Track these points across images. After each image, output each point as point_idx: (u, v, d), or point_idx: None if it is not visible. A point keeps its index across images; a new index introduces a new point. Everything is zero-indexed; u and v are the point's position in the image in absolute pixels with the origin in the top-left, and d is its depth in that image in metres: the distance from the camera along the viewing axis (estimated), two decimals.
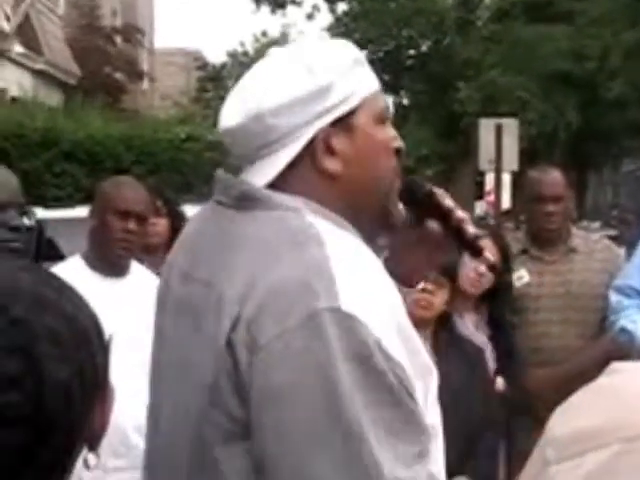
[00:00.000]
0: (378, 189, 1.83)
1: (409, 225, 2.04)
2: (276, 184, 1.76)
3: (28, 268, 1.23)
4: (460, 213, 2.02)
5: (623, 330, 4.04)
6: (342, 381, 1.53)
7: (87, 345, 1.17)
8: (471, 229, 2.02)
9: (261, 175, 1.78)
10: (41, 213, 11.78)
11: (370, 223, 1.82)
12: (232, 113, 1.80)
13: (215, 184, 1.85)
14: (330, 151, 1.77)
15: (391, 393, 1.58)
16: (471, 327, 4.19)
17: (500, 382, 4.14)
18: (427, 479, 1.64)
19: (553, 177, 4.50)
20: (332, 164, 1.77)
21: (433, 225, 2.04)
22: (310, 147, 1.76)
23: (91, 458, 1.24)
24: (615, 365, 1.16)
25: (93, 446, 1.23)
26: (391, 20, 23.24)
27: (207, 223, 1.85)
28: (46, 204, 12.28)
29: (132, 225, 3.60)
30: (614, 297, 4.14)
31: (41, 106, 18.99)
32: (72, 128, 16.24)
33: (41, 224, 11.28)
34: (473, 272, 4.14)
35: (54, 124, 16.37)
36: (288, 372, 1.55)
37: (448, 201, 2.02)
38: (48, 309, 1.15)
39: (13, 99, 21.40)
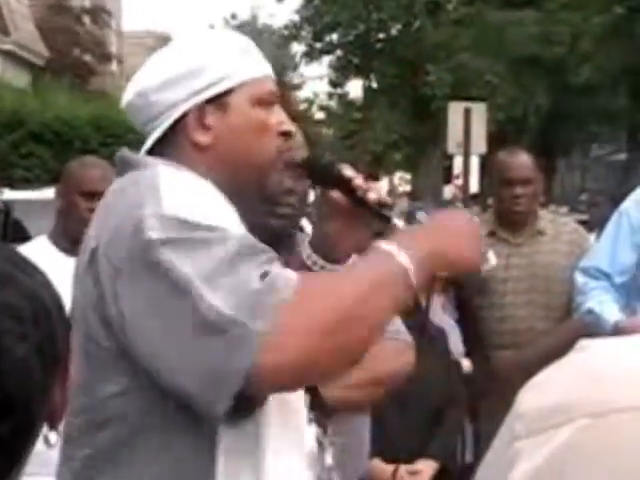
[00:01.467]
0: (250, 164, 2.01)
1: (319, 201, 2.24)
2: (156, 154, 1.99)
3: None
4: (360, 181, 2.11)
5: (590, 312, 4.05)
6: (165, 262, 1.73)
7: (47, 322, 1.16)
8: (373, 195, 2.09)
9: (145, 146, 2.03)
10: (8, 194, 11.72)
11: (243, 195, 1.99)
12: (126, 93, 2.06)
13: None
14: (203, 126, 1.99)
15: (199, 244, 1.76)
16: (438, 310, 4.20)
17: (467, 364, 4.16)
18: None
19: (521, 160, 4.50)
20: (203, 137, 1.99)
21: (335, 195, 2.15)
22: (184, 121, 1.98)
23: (52, 436, 1.23)
24: (584, 342, 1.15)
25: (54, 424, 1.23)
26: (361, 3, 23.21)
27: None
28: (13, 185, 12.22)
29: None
30: (580, 278, 4.15)
31: (8, 87, 18.87)
32: (40, 109, 16.17)
33: (8, 205, 11.18)
34: None
35: (21, 105, 16.30)
36: (132, 278, 1.77)
37: (349, 172, 2.13)
38: (8, 285, 1.14)
39: None
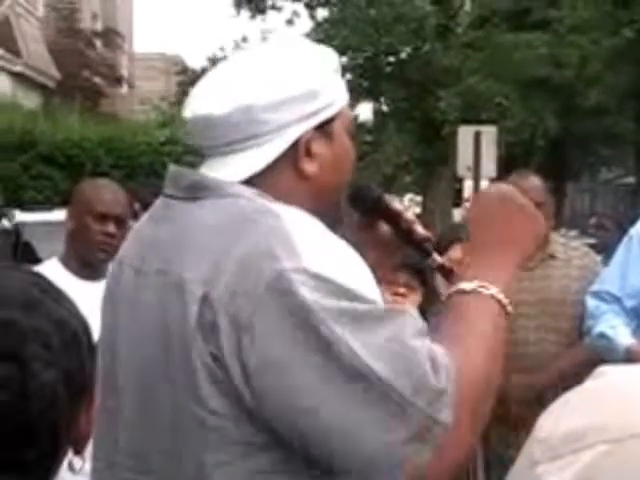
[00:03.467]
0: (339, 194, 1.93)
1: (359, 228, 2.15)
2: (252, 179, 1.79)
3: (17, 269, 1.23)
4: (409, 215, 2.10)
5: (602, 335, 4.05)
6: (324, 327, 1.57)
7: (76, 349, 1.17)
8: (420, 230, 2.09)
9: (238, 168, 1.80)
10: (18, 216, 11.74)
11: (324, 219, 1.79)
12: (216, 101, 1.79)
13: (166, 179, 1.87)
14: (309, 153, 1.82)
15: (364, 317, 1.61)
16: None
17: None
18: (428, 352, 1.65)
19: (532, 183, 4.50)
20: (309, 166, 1.82)
21: (384, 227, 2.12)
22: (293, 147, 1.80)
23: (76, 461, 1.24)
24: (602, 368, 1.16)
25: (78, 449, 1.24)
26: (371, 27, 23.26)
27: (158, 218, 1.86)
28: (24, 207, 12.25)
29: (111, 228, 3.58)
30: (591, 302, 4.15)
31: (19, 109, 18.95)
32: (50, 131, 16.23)
33: (18, 227, 11.24)
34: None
35: (32, 127, 16.35)
36: (276, 338, 1.58)
37: (397, 204, 2.11)
38: (38, 311, 1.15)
39: None
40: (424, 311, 3.84)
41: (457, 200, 25.66)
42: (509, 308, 1.81)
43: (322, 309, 1.58)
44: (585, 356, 4.18)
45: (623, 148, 30.20)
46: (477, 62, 22.37)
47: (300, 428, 1.60)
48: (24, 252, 9.25)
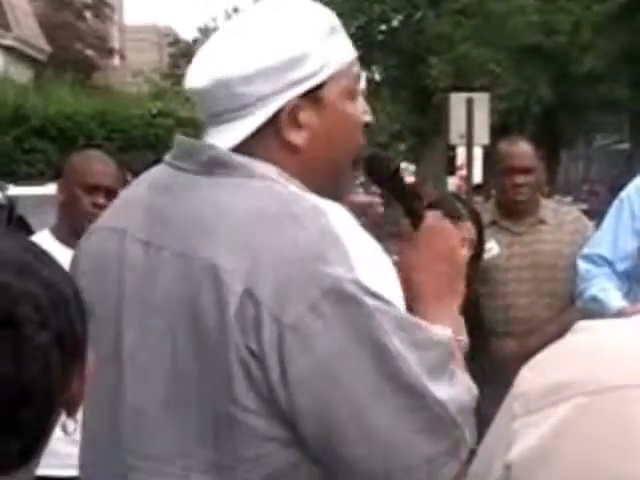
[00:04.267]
0: (338, 166, 1.80)
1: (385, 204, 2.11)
2: (238, 150, 1.71)
3: (10, 235, 1.24)
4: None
5: (594, 299, 4.07)
6: (381, 336, 1.56)
7: (66, 310, 1.18)
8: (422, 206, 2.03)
9: (224, 139, 1.72)
10: (11, 190, 11.71)
11: (321, 194, 1.72)
12: (199, 74, 1.74)
13: (175, 149, 1.78)
14: (296, 123, 1.72)
15: (417, 335, 1.63)
16: None
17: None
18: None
19: (522, 149, 4.52)
20: (296, 137, 1.72)
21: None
22: (276, 117, 1.71)
23: (70, 424, 1.25)
24: (581, 323, 1.18)
25: (71, 412, 1.24)
26: None
27: (163, 189, 1.75)
28: (17, 181, 12.22)
29: (101, 199, 3.58)
30: (583, 265, 4.16)
31: (11, 82, 18.87)
32: (42, 104, 16.16)
33: (11, 201, 11.19)
34: None
35: (24, 100, 16.29)
36: (330, 342, 1.55)
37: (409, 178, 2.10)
38: (30, 275, 1.16)
39: None
40: None
41: (451, 168, 25.64)
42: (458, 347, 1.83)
43: (381, 319, 1.57)
44: (577, 319, 4.20)
45: (617, 114, 30.14)
46: (469, 29, 22.30)
47: (336, 435, 1.59)
48: (18, 225, 9.24)
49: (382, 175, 2.01)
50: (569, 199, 23.33)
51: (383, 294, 1.59)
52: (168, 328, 1.64)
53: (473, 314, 4.26)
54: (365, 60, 25.70)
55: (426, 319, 1.74)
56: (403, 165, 53.88)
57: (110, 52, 32.82)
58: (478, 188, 16.25)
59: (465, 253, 1.98)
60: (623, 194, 4.13)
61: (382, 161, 2.03)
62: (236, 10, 44.52)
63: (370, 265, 1.61)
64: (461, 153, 17.32)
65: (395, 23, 24.34)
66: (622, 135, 35.16)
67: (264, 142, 1.72)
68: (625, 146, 33.56)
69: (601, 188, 11.05)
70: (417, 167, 26.20)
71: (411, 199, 2.00)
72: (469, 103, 13.81)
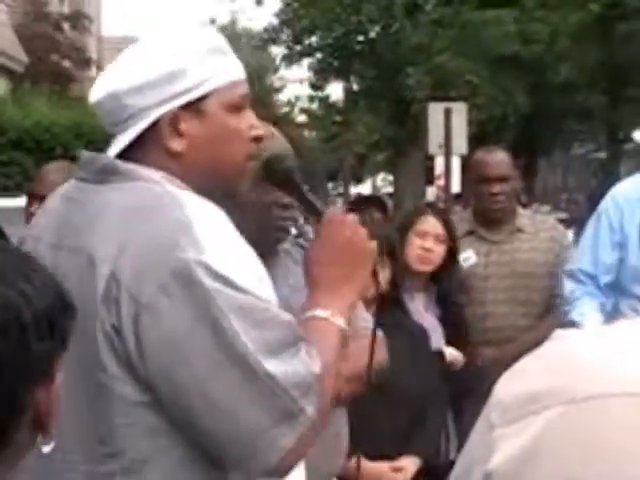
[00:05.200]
0: (223, 171, 2.01)
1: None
2: (128, 157, 1.94)
3: None
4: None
5: (573, 324, 4.07)
6: (218, 315, 1.76)
7: (19, 334, 1.17)
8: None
9: (114, 148, 1.96)
10: None
11: (214, 199, 1.94)
12: (96, 89, 1.98)
13: (80, 163, 2.02)
14: (177, 132, 1.94)
15: (256, 315, 1.81)
16: (421, 308, 4.21)
17: (449, 352, 4.15)
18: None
19: (498, 157, 4.54)
20: (176, 144, 1.95)
21: None
22: (158, 127, 1.94)
23: (45, 440, 1.26)
24: (558, 332, 1.17)
25: (41, 429, 1.25)
26: (339, 6, 23.18)
27: (71, 198, 1.99)
28: None
29: None
30: (568, 285, 4.12)
31: None
32: (19, 116, 16.09)
33: None
34: (419, 249, 4.18)
35: (1, 113, 16.22)
36: (175, 319, 1.76)
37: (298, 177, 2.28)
38: None
39: None
40: (396, 285, 3.87)
41: (429, 178, 25.69)
42: (347, 335, 2.02)
43: (222, 300, 1.77)
44: (555, 328, 4.21)
45: (594, 123, 30.26)
46: (446, 40, 22.35)
47: (184, 403, 1.79)
48: None
49: (277, 178, 2.26)
50: (547, 208, 23.42)
51: (231, 277, 1.78)
52: None
53: (454, 325, 4.29)
54: (343, 71, 25.75)
55: (316, 306, 2.00)
56: (381, 175, 53.94)
57: (87, 63, 32.67)
58: (457, 197, 16.29)
59: (367, 242, 2.10)
60: (601, 207, 4.13)
61: (275, 164, 2.27)
62: (213, 21, 44.57)
63: (223, 252, 1.81)
64: (439, 163, 17.33)
65: (372, 34, 24.37)
66: (599, 144, 35.30)
67: (149, 149, 1.95)
68: (602, 155, 33.71)
69: (580, 197, 11.08)
70: (395, 177, 26.19)
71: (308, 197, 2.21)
72: (447, 113, 13.83)
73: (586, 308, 4.03)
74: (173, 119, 1.94)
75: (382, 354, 2.62)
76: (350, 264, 2.07)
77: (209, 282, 1.76)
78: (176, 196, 1.86)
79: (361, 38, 24.58)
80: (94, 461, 1.87)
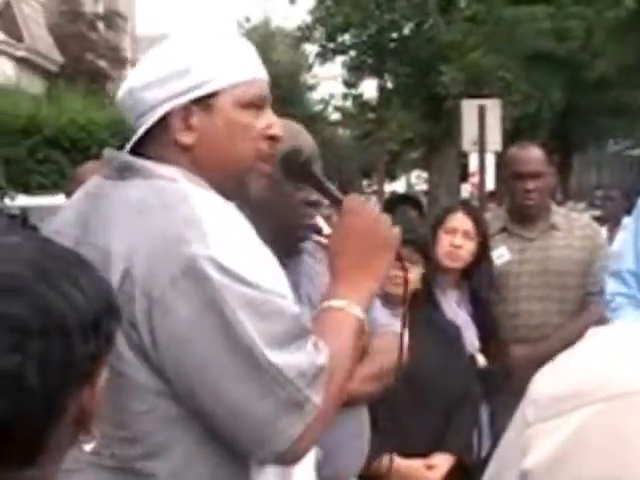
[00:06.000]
0: (231, 166, 2.06)
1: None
2: (140, 151, 2.03)
3: (23, 247, 1.24)
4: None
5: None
6: (224, 307, 1.82)
7: (59, 334, 1.18)
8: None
9: (129, 144, 2.05)
10: (25, 200, 11.73)
11: (223, 192, 2.01)
12: (120, 89, 2.09)
13: (102, 161, 2.08)
14: (187, 126, 2.02)
15: (262, 308, 1.86)
16: (453, 304, 4.20)
17: (481, 360, 4.16)
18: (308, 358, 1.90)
19: (532, 154, 4.51)
20: (186, 137, 2.02)
21: None
22: (168, 120, 2.02)
23: (86, 439, 1.27)
24: (594, 330, 1.17)
25: (83, 427, 1.27)
26: (373, 3, 23.14)
27: (93, 195, 2.05)
28: (30, 191, 12.25)
29: None
30: (611, 285, 3.96)
31: (24, 93, 18.91)
32: (55, 115, 16.19)
33: (25, 211, 11.22)
34: (448, 245, 4.18)
35: (37, 111, 16.32)
36: (184, 312, 1.82)
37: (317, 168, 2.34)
38: (16, 295, 1.16)
39: None
40: (428, 283, 3.87)
41: (463, 175, 25.59)
42: (365, 324, 2.05)
43: (229, 294, 1.82)
44: (589, 326, 4.19)
45: (630, 120, 30.03)
46: (480, 36, 22.25)
47: (194, 393, 1.86)
48: None
49: (294, 170, 2.30)
50: (582, 205, 23.29)
51: (239, 272, 1.83)
52: None
53: (487, 322, 4.27)
54: (377, 68, 25.70)
55: (334, 296, 2.04)
56: (415, 173, 53.75)
57: (122, 62, 32.77)
58: (492, 195, 16.21)
59: (388, 229, 2.11)
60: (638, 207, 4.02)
61: (291, 157, 2.30)
62: (248, 20, 44.68)
63: (231, 247, 1.86)
64: (473, 160, 17.26)
65: (406, 31, 24.30)
66: (634, 140, 35.04)
67: (161, 143, 2.03)
68: (638, 151, 33.45)
69: (616, 193, 10.95)
70: (429, 174, 26.10)
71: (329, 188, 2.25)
72: (481, 110, 13.75)
73: (630, 318, 3.92)
74: (183, 114, 2.01)
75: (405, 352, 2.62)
76: (369, 252, 2.09)
77: (217, 276, 1.82)
78: (188, 193, 1.92)
79: (395, 35, 24.53)
80: (111, 444, 1.93)
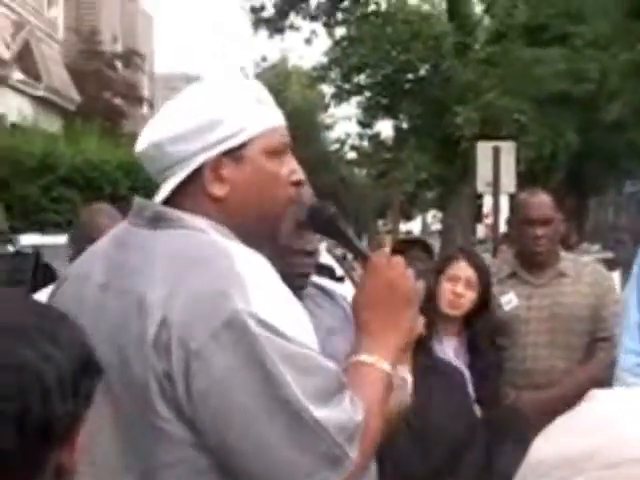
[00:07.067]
0: (264, 215, 2.07)
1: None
2: (172, 204, 2.03)
3: (7, 306, 1.24)
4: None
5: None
6: (267, 362, 1.81)
7: (37, 396, 1.17)
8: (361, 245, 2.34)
9: (160, 195, 2.05)
10: (38, 239, 11.77)
11: (256, 243, 2.01)
12: (141, 141, 2.07)
13: (132, 210, 2.09)
14: (219, 177, 2.02)
15: (303, 363, 1.86)
16: (450, 354, 4.17)
17: (476, 410, 4.11)
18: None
19: (541, 200, 4.51)
20: (219, 189, 2.02)
21: None
22: (200, 172, 2.01)
23: None
24: (595, 392, 1.15)
25: None
26: (388, 44, 23.26)
27: (122, 242, 2.06)
28: (44, 229, 12.30)
29: None
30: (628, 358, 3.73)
31: (40, 132, 19.04)
32: (70, 154, 16.29)
33: (38, 250, 11.24)
34: (450, 293, 4.16)
35: (52, 149, 16.41)
36: (225, 366, 1.81)
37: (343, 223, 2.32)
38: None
39: (13, 125, 21.46)
40: (428, 329, 3.86)
41: (478, 215, 25.59)
42: (393, 379, 2.08)
43: (270, 348, 1.82)
44: (596, 373, 4.17)
45: None
46: (495, 78, 22.32)
47: (231, 446, 1.84)
48: (43, 274, 9.29)
49: (321, 226, 2.32)
50: (597, 247, 23.24)
51: (279, 327, 1.83)
52: (105, 354, 1.82)
53: (484, 367, 4.24)
54: (392, 109, 25.78)
55: (362, 351, 2.06)
56: (432, 213, 53.80)
57: (139, 101, 33.01)
58: (506, 236, 16.20)
59: (413, 284, 2.13)
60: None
61: (318, 213, 2.31)
62: (264, 59, 44.93)
63: (270, 302, 1.86)
64: (487, 201, 17.27)
65: (422, 72, 24.40)
66: None
67: (192, 195, 2.03)
68: None
69: (626, 236, 10.96)
70: (444, 215, 26.12)
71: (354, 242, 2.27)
72: (496, 152, 13.80)
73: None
74: (215, 165, 2.02)
75: (406, 395, 2.62)
76: (395, 306, 2.11)
77: (259, 331, 1.81)
78: (225, 246, 1.93)
79: (410, 76, 24.63)
80: None
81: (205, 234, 1.96)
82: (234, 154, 2.02)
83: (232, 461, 1.86)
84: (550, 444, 1.08)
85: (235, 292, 1.83)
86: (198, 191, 2.02)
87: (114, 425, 1.93)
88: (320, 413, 1.84)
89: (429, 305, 3.80)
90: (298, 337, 1.88)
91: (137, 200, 2.09)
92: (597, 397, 1.12)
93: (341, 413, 1.88)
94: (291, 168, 2.11)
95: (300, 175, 2.13)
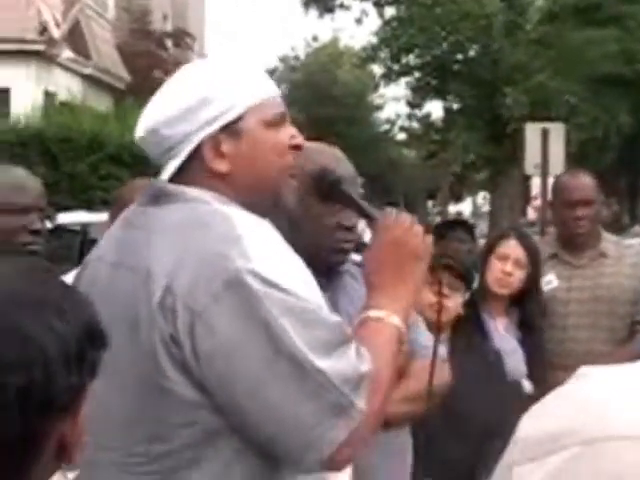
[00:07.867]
0: (268, 185, 2.10)
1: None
2: (179, 182, 2.06)
3: (7, 280, 1.24)
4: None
5: None
6: (269, 317, 1.85)
7: (41, 368, 1.17)
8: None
9: (164, 175, 2.09)
10: (86, 216, 11.87)
11: (261, 211, 2.07)
12: (138, 129, 2.11)
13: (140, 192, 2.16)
14: (219, 154, 2.06)
15: (305, 316, 1.90)
16: (501, 329, 4.18)
17: (527, 385, 4.11)
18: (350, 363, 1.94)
19: (582, 181, 4.48)
20: (220, 165, 2.06)
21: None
22: (200, 150, 2.06)
23: (70, 475, 1.27)
24: (584, 369, 1.15)
25: (64, 459, 1.26)
26: (437, 25, 23.16)
27: (130, 222, 2.12)
28: (92, 207, 12.42)
29: None
30: None
31: (89, 110, 19.20)
32: (119, 132, 16.42)
33: (85, 227, 11.36)
34: (499, 272, 4.15)
35: (101, 128, 16.56)
36: (228, 325, 1.86)
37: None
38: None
39: (62, 103, 21.64)
40: (475, 308, 3.86)
41: (528, 198, 25.46)
42: (404, 333, 2.10)
43: (271, 303, 1.86)
44: (635, 355, 4.14)
45: None
46: (546, 59, 22.16)
47: (238, 403, 1.88)
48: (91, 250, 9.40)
49: (325, 190, 2.35)
50: None
51: (280, 282, 1.88)
52: (115, 325, 1.84)
53: (537, 348, 4.22)
54: (441, 90, 25.70)
55: (371, 307, 2.09)
56: (482, 194, 53.58)
57: None
58: None
59: (421, 239, 2.15)
60: None
61: (321, 178, 2.36)
62: (315, 39, 44.94)
63: (270, 260, 1.91)
64: (536, 183, 17.18)
65: (471, 53, 24.28)
66: None
67: (195, 173, 2.07)
68: None
69: None
70: (493, 197, 26.02)
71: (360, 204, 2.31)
72: (544, 133, 13.71)
73: None
74: (214, 142, 2.06)
75: (444, 376, 2.61)
76: (402, 262, 2.14)
77: (258, 287, 1.85)
78: (225, 213, 1.98)
79: (459, 57, 24.52)
80: (139, 462, 1.96)
81: (208, 204, 2.00)
82: (231, 129, 2.06)
83: (241, 420, 1.90)
84: (535, 421, 1.10)
85: (235, 252, 1.87)
86: (201, 169, 2.06)
87: (124, 392, 1.97)
88: (323, 364, 1.87)
89: (468, 284, 3.82)
90: (300, 292, 1.91)
91: (147, 182, 2.15)
92: (585, 374, 1.12)
93: (345, 364, 1.91)
94: (290, 133, 2.14)
95: (300, 139, 2.15)
